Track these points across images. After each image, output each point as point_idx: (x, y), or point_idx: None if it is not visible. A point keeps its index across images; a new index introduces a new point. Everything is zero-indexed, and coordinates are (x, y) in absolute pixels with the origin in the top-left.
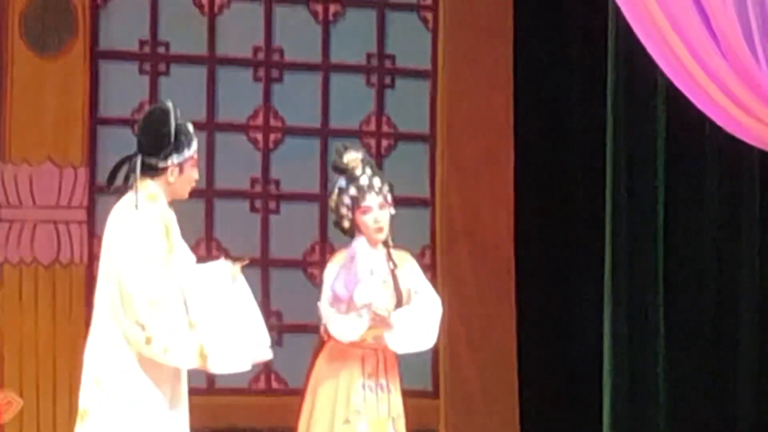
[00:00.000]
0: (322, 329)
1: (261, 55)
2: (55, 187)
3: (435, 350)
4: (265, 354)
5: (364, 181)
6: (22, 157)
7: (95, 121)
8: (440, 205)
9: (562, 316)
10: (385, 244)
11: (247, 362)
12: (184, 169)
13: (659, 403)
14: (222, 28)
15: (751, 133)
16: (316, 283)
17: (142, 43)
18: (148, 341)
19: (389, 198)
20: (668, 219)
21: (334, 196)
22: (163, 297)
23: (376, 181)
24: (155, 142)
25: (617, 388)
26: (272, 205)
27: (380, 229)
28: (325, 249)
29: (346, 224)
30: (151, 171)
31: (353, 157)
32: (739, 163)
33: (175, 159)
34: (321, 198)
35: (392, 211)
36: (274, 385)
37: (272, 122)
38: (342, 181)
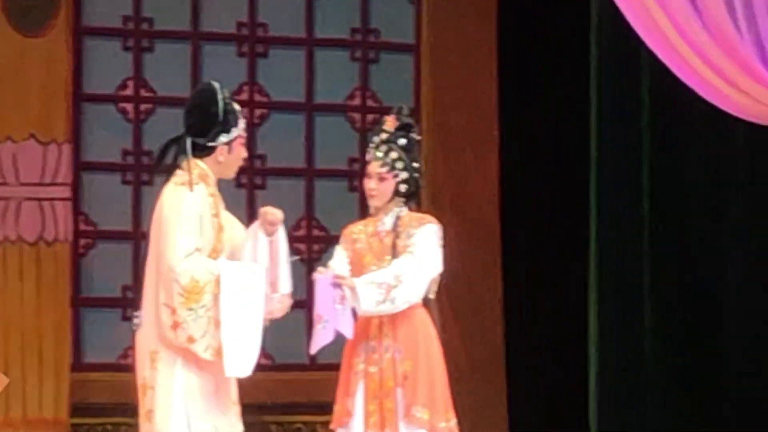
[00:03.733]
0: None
1: (245, 31)
2: (39, 164)
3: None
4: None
5: (372, 147)
6: (6, 135)
7: (79, 97)
8: (426, 179)
9: (548, 289)
10: (378, 212)
11: (251, 369)
12: (233, 148)
13: (645, 370)
14: (206, 3)
15: (735, 105)
16: (303, 258)
17: (125, 19)
18: (174, 326)
19: (383, 173)
20: (654, 192)
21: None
22: (198, 287)
23: (379, 154)
24: (205, 122)
25: (603, 358)
26: (258, 180)
27: (372, 196)
28: (311, 224)
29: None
30: (200, 151)
31: (388, 124)
32: (725, 136)
33: (224, 138)
34: (307, 173)
35: (402, 188)
36: (261, 360)
37: (257, 98)
38: (375, 138)
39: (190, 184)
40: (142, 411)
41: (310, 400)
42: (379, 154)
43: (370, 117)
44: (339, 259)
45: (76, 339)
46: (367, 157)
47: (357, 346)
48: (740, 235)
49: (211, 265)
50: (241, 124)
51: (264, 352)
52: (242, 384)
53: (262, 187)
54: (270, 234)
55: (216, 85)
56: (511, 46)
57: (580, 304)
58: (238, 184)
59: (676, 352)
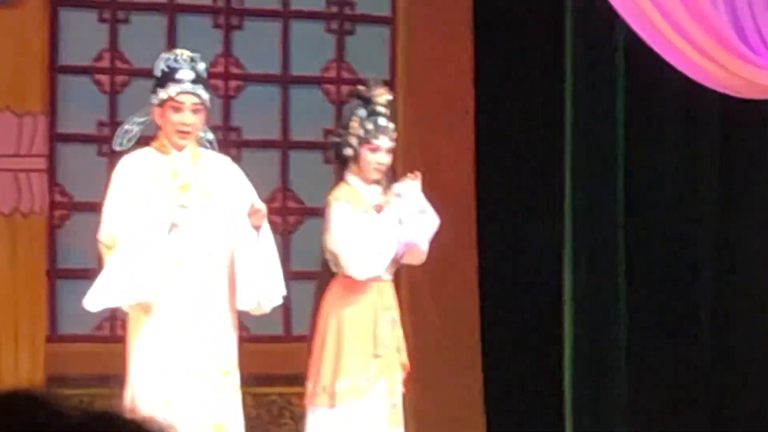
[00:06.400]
0: (332, 266)
1: (221, 2)
2: (14, 135)
3: (397, 294)
4: None
5: (382, 121)
6: None
7: (54, 69)
8: (401, 152)
9: (523, 261)
10: (379, 182)
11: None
12: (165, 111)
13: (620, 336)
14: None
15: (710, 77)
16: (277, 231)
17: None
18: None
19: (392, 147)
20: (628, 165)
21: (353, 123)
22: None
23: (390, 126)
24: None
25: (577, 328)
26: (234, 152)
27: (379, 170)
28: (286, 196)
29: (349, 152)
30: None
31: (385, 96)
32: (700, 108)
33: (153, 99)
34: (282, 145)
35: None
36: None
37: (232, 70)
38: (362, 111)
39: None
40: None
41: (285, 372)
42: (392, 126)
43: (345, 89)
44: None
45: (52, 310)
46: (372, 129)
47: None
48: (717, 196)
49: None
50: (175, 88)
51: (240, 324)
52: None
53: (238, 158)
54: (256, 222)
55: (177, 51)
56: (487, 17)
57: (555, 272)
58: None
59: (652, 317)
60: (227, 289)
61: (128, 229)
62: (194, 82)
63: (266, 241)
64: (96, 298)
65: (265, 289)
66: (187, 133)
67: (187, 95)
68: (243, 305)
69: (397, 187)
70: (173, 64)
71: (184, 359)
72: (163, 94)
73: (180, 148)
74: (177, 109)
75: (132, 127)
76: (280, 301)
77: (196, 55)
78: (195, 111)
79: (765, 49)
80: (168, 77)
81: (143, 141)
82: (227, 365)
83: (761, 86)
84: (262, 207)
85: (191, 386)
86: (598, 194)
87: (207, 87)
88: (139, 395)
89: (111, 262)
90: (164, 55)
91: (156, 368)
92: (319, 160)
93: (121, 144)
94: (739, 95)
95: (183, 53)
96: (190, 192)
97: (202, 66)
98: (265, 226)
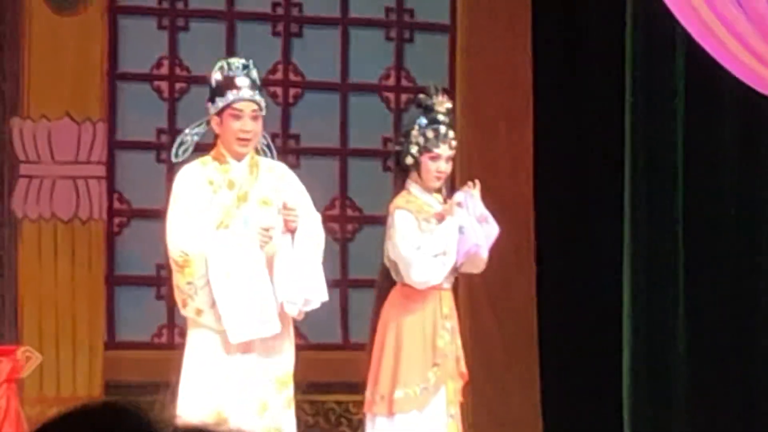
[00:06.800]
0: (393, 274)
1: (280, 10)
2: (74, 142)
3: (456, 303)
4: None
5: (443, 130)
6: (41, 113)
7: (114, 76)
8: (460, 160)
9: (582, 269)
10: (439, 191)
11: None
12: (223, 120)
13: (679, 349)
14: None
15: None
16: (337, 238)
17: None
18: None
19: (452, 155)
20: (688, 174)
21: (414, 131)
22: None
23: (451, 135)
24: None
25: (636, 339)
26: (292, 159)
27: (440, 178)
28: (345, 204)
29: (410, 160)
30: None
31: (446, 104)
32: (759, 115)
33: (211, 108)
34: (341, 153)
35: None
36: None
37: (292, 77)
38: (423, 120)
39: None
40: None
41: (343, 379)
42: (452, 135)
43: (404, 97)
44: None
45: (110, 317)
46: (433, 138)
47: None
48: None
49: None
50: (232, 96)
51: (298, 332)
52: None
53: (296, 166)
54: (291, 228)
55: (230, 59)
56: (547, 26)
57: (615, 284)
58: None
59: (713, 321)
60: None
61: (210, 251)
62: (251, 88)
63: (304, 243)
64: (241, 332)
65: (296, 291)
66: (248, 140)
67: (245, 102)
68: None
69: (458, 195)
70: (229, 72)
71: (239, 370)
72: (221, 102)
73: (240, 157)
74: (237, 117)
75: (187, 138)
76: (317, 305)
77: (249, 62)
78: (254, 117)
79: None
80: (225, 85)
81: (199, 148)
82: (283, 377)
83: None
84: (296, 206)
85: (244, 398)
86: (658, 201)
87: (263, 93)
88: (187, 405)
89: (225, 293)
90: (219, 64)
91: (209, 379)
92: (377, 168)
93: (176, 155)
94: None
95: (237, 60)
96: (248, 203)
97: (255, 72)
98: (306, 227)
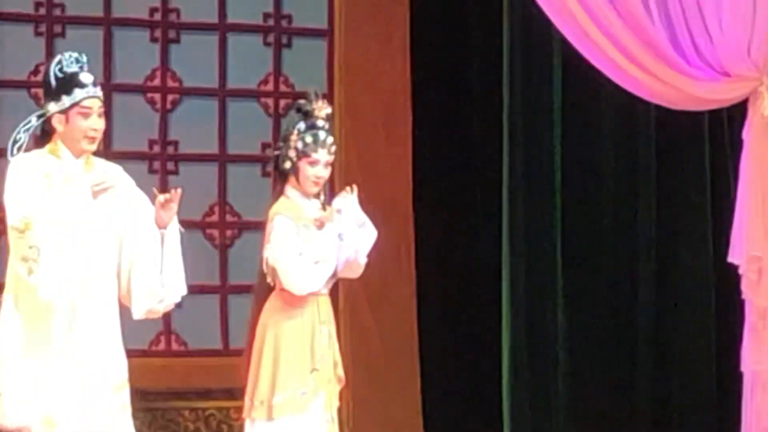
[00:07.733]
0: (269, 279)
1: (157, 16)
2: None
3: (335, 307)
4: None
5: (321, 135)
6: None
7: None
8: (339, 164)
9: (461, 272)
10: (318, 196)
11: None
12: (69, 118)
13: (557, 351)
14: None
15: (647, 89)
16: (215, 245)
17: (37, 5)
18: None
19: (331, 160)
20: (565, 177)
21: (293, 136)
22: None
23: (329, 140)
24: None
25: (515, 340)
26: (171, 166)
27: (318, 184)
28: (224, 210)
29: (288, 165)
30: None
31: (325, 110)
32: (636, 120)
33: (53, 107)
34: (220, 158)
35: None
36: (174, 346)
37: (170, 83)
38: (302, 125)
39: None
40: None
41: (224, 386)
42: (331, 140)
43: (282, 102)
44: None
45: None
46: (312, 143)
47: None
48: (655, 202)
49: None
50: (80, 93)
51: (177, 338)
52: (155, 369)
53: (175, 172)
54: (168, 216)
55: (65, 55)
56: (424, 29)
57: (494, 286)
58: (150, 170)
59: (592, 320)
60: (116, 302)
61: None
62: (94, 84)
63: (174, 238)
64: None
65: (165, 289)
66: (96, 138)
67: (93, 99)
68: (139, 311)
69: (337, 202)
70: (71, 68)
71: (69, 374)
72: (68, 100)
73: (82, 154)
74: (85, 115)
75: (21, 136)
76: (178, 300)
77: (83, 56)
78: (100, 114)
79: (700, 61)
80: (71, 82)
81: None
82: (118, 381)
83: (696, 97)
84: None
85: (76, 403)
86: (536, 203)
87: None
88: (12, 411)
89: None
90: (57, 59)
91: (35, 382)
92: (256, 173)
93: (12, 154)
94: (674, 107)
95: (74, 54)
96: (82, 199)
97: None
98: (174, 224)
